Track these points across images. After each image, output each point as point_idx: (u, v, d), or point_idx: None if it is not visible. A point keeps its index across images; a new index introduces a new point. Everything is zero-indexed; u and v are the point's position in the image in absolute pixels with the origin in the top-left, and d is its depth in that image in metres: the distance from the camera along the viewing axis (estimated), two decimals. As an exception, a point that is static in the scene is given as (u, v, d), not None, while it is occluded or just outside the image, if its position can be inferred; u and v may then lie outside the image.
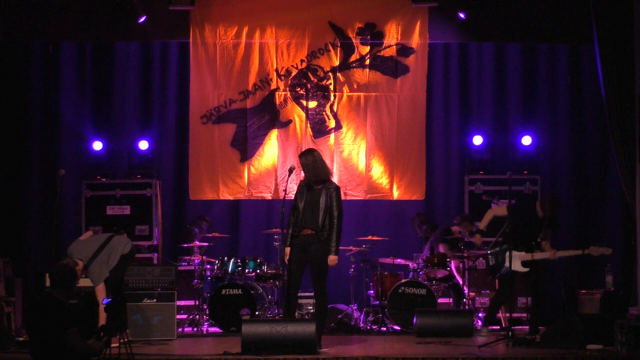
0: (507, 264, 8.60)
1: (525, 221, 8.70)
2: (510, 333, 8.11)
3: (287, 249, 7.83)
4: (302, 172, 7.99)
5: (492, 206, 9.08)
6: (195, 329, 9.69)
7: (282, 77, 10.85)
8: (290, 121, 10.89)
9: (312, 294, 8.49)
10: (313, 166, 7.88)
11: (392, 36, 10.79)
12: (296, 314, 9.56)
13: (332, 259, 7.74)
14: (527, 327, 9.02)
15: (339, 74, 10.85)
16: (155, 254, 10.65)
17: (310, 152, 8.08)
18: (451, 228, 10.40)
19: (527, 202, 8.72)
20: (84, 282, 8.18)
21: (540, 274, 8.82)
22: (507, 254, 8.56)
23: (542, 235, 8.83)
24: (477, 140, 11.08)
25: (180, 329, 9.35)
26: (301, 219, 7.82)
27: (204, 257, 9.94)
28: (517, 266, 8.65)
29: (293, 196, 8.07)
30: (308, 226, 7.80)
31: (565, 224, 8.64)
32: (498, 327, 9.66)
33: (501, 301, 9.03)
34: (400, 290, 9.55)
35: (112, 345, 6.40)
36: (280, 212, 7.85)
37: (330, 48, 10.85)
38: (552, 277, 10.61)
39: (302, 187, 7.95)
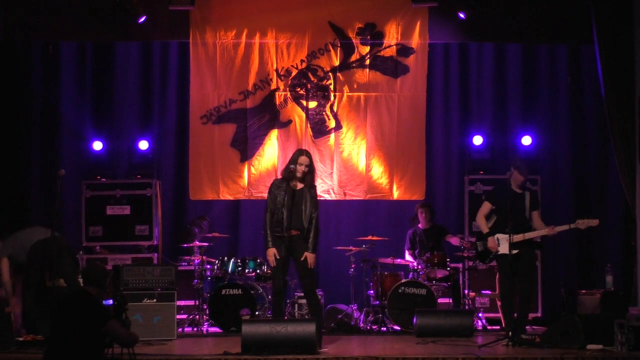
0: (498, 247, 8.50)
1: (506, 203, 8.47)
2: (510, 333, 8.11)
3: (273, 250, 7.81)
4: (300, 168, 7.93)
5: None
6: (195, 329, 9.69)
7: (282, 77, 10.85)
8: (290, 121, 10.89)
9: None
10: (312, 168, 7.99)
11: (392, 36, 10.79)
12: (296, 314, 9.59)
13: (312, 256, 7.82)
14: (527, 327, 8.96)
15: (339, 74, 10.85)
16: (155, 254, 10.65)
17: (308, 152, 8.19)
18: (418, 226, 10.41)
19: (500, 185, 8.59)
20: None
21: (532, 261, 8.60)
22: (496, 237, 8.49)
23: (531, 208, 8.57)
24: (477, 140, 11.08)
25: (180, 329, 9.36)
26: (287, 219, 7.78)
27: (204, 257, 9.94)
28: (505, 249, 8.35)
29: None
30: (294, 227, 7.81)
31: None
32: (498, 327, 9.67)
33: (505, 290, 8.57)
34: (400, 290, 9.55)
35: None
36: (280, 212, 7.84)
37: (330, 48, 10.85)
38: (552, 277, 10.63)
39: (281, 186, 7.92)
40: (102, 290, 6.31)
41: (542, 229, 8.48)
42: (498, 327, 9.66)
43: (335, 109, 10.85)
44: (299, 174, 7.92)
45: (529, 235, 8.44)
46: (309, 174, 7.94)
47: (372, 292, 9.99)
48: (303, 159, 7.96)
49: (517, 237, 8.35)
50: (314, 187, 8.01)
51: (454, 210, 11.15)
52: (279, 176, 10.57)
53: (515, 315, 8.42)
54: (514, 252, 8.30)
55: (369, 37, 10.81)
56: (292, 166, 7.96)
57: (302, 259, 7.80)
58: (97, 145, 11.14)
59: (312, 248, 7.83)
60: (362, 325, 9.62)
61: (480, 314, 9.98)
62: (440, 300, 9.79)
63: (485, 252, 8.64)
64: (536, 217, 8.58)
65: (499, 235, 8.49)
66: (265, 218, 7.89)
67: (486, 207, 8.75)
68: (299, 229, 7.81)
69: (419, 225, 10.42)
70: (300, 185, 7.92)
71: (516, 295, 8.55)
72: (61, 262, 8.54)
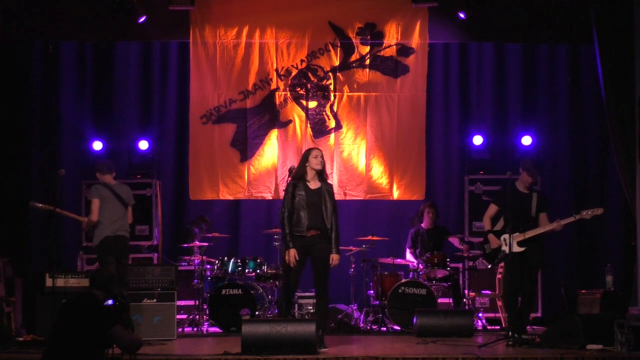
0: (504, 247, 8.48)
1: (512, 203, 8.39)
2: (510, 333, 8.11)
3: (294, 251, 7.70)
4: (316, 161, 7.86)
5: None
6: (195, 329, 9.70)
7: (282, 77, 10.85)
8: (290, 121, 10.89)
9: (312, 294, 8.47)
10: (324, 161, 7.98)
11: (392, 36, 10.79)
12: (296, 314, 9.58)
13: (338, 257, 7.79)
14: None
15: (339, 74, 10.86)
16: (155, 254, 10.65)
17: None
18: (421, 226, 10.42)
19: (505, 185, 8.57)
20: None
21: (537, 258, 8.50)
22: (503, 238, 8.49)
23: (537, 208, 8.55)
24: (477, 140, 11.08)
25: (180, 329, 9.36)
26: (307, 219, 7.75)
27: (204, 257, 9.94)
28: (514, 248, 8.35)
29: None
30: (314, 227, 7.78)
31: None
32: (498, 327, 9.67)
33: (512, 288, 8.45)
34: (400, 290, 9.55)
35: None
36: (281, 212, 7.84)
37: (330, 48, 10.85)
38: (552, 277, 10.63)
39: (299, 186, 7.83)
40: (108, 294, 6.32)
41: (547, 226, 8.45)
42: (498, 327, 9.67)
43: (335, 109, 10.85)
44: (319, 167, 7.85)
45: (529, 233, 8.40)
46: (324, 169, 7.95)
47: (372, 292, 9.99)
48: (316, 152, 7.94)
49: (518, 236, 8.35)
50: (330, 185, 8.00)
51: (454, 210, 11.15)
52: (279, 176, 10.71)
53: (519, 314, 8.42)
54: (521, 249, 8.32)
55: (369, 37, 10.81)
56: (306, 164, 7.87)
57: (330, 261, 7.75)
58: (97, 145, 11.13)
59: (337, 249, 7.79)
60: (362, 325, 9.63)
61: (480, 314, 9.99)
62: (440, 300, 9.80)
63: (492, 253, 8.60)
64: (543, 218, 8.51)
65: (505, 236, 8.47)
66: (283, 216, 7.75)
67: (492, 209, 8.73)
68: (319, 228, 7.77)
69: (422, 225, 10.42)
70: (316, 185, 7.87)
71: (519, 295, 8.53)
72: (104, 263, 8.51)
